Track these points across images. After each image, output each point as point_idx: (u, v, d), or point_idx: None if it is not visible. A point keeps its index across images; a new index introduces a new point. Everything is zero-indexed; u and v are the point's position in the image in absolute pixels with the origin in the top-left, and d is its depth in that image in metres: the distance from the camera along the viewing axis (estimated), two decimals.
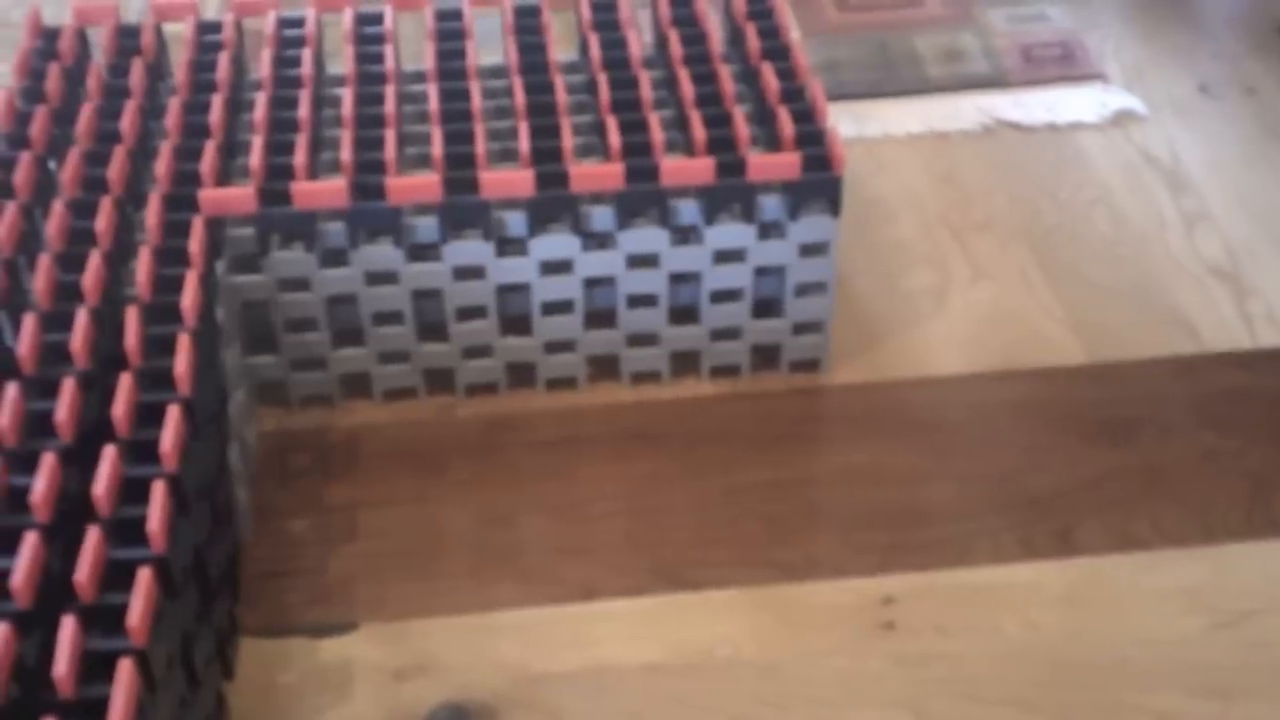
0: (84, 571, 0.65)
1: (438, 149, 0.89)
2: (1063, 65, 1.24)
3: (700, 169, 0.88)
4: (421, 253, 0.90)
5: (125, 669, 0.62)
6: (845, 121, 1.17)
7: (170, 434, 0.72)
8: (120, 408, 0.73)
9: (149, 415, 0.74)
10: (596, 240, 0.90)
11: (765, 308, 0.94)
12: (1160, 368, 0.97)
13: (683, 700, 0.78)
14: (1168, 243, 1.07)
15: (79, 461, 0.71)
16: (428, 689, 0.79)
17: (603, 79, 0.95)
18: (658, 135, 0.90)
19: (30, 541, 0.65)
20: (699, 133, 0.90)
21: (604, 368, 0.96)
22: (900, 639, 0.81)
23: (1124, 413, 0.94)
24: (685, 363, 0.96)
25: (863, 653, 0.80)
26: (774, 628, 0.82)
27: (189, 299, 0.79)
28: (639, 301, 0.93)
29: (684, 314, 0.94)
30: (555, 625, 0.82)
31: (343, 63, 0.98)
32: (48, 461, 0.69)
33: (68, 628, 0.63)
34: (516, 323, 0.93)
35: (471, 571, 0.85)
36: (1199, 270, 1.05)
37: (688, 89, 0.94)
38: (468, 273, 0.90)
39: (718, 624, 0.82)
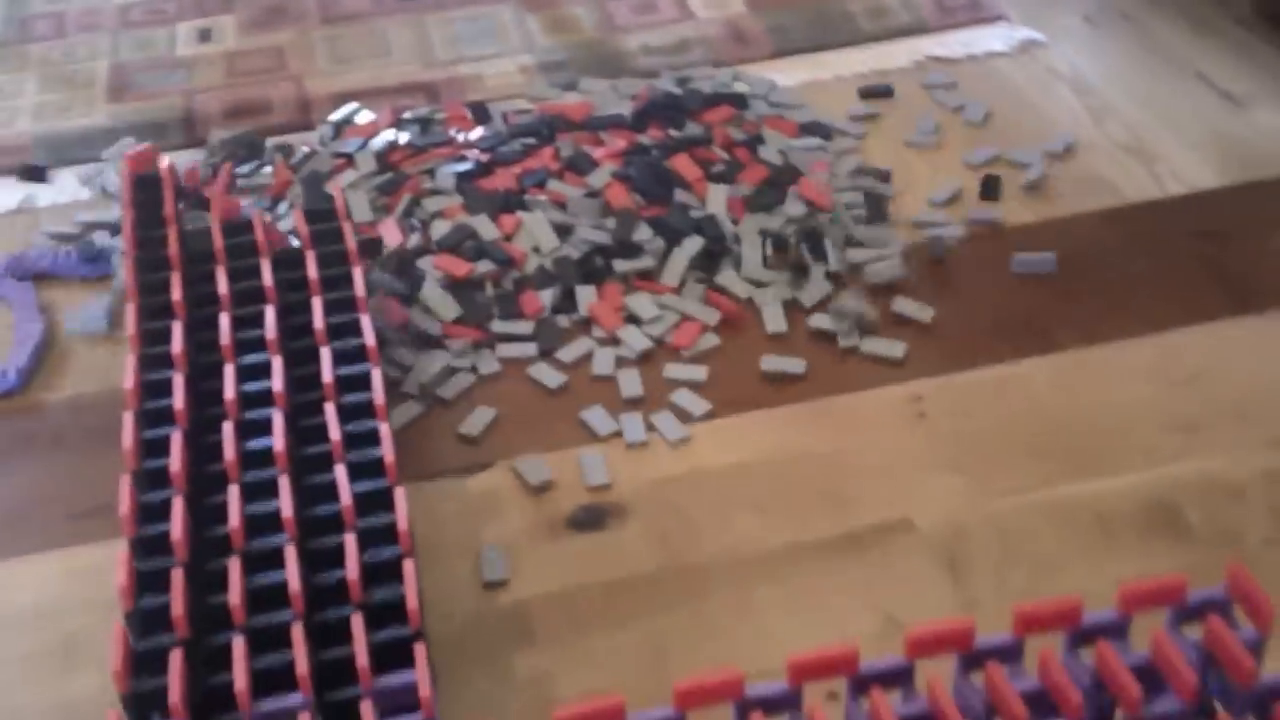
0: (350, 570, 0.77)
1: None
2: (971, 11, 1.48)
3: None
4: None
5: None
6: (802, 70, 1.39)
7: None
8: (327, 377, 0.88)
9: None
10: None
11: None
12: (1094, 218, 1.20)
13: (770, 484, 0.97)
14: (1083, 132, 1.30)
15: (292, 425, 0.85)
16: (564, 499, 0.96)
17: None
18: None
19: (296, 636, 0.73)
20: None
21: None
22: (933, 423, 1.01)
23: (1072, 253, 1.16)
24: None
25: (905, 435, 1.00)
26: (829, 429, 1.01)
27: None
28: None
29: None
30: (658, 443, 1.01)
31: None
32: (277, 422, 0.83)
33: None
34: None
35: (581, 413, 1.03)
36: (1111, 148, 1.28)
37: None
38: None
39: (784, 431, 1.01)
